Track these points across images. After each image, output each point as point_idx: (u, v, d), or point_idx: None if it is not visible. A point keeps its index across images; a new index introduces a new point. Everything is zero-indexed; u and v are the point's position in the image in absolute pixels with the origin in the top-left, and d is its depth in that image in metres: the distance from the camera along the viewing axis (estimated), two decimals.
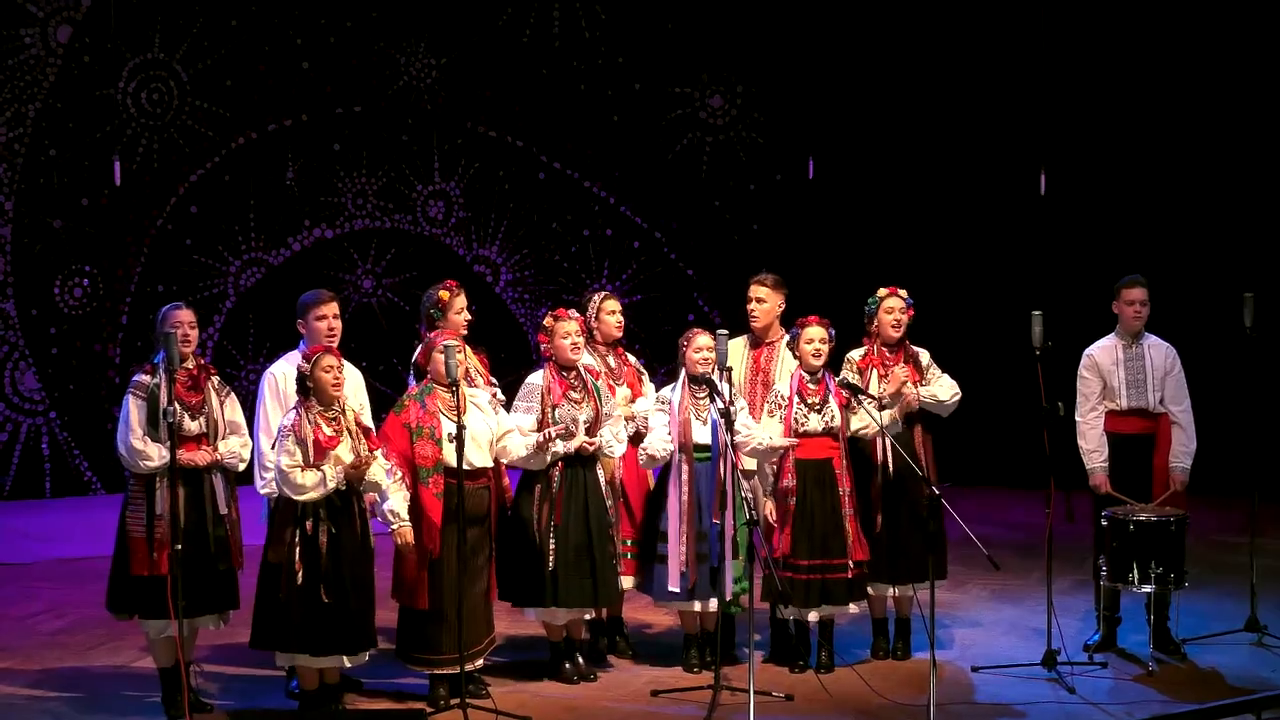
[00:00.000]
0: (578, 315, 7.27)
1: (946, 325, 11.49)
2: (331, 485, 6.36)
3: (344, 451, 6.40)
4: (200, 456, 6.62)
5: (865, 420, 7.35)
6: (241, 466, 6.77)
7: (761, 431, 7.24)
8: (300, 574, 6.29)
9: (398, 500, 6.54)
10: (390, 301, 12.39)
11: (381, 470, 6.55)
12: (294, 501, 6.36)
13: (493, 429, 6.84)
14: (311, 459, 6.34)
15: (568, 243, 12.88)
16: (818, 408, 7.32)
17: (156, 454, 6.53)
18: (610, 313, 7.73)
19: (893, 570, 7.36)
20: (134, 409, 6.50)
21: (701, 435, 7.20)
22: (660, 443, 7.21)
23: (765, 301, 7.72)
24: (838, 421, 7.28)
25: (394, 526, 6.53)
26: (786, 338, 7.62)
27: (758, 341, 7.78)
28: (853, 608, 7.25)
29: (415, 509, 6.62)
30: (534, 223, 12.82)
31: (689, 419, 7.19)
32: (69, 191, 11.49)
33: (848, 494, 7.26)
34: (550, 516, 7.00)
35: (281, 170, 12.08)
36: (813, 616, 7.22)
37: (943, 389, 7.47)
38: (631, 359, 7.85)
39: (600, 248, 12.96)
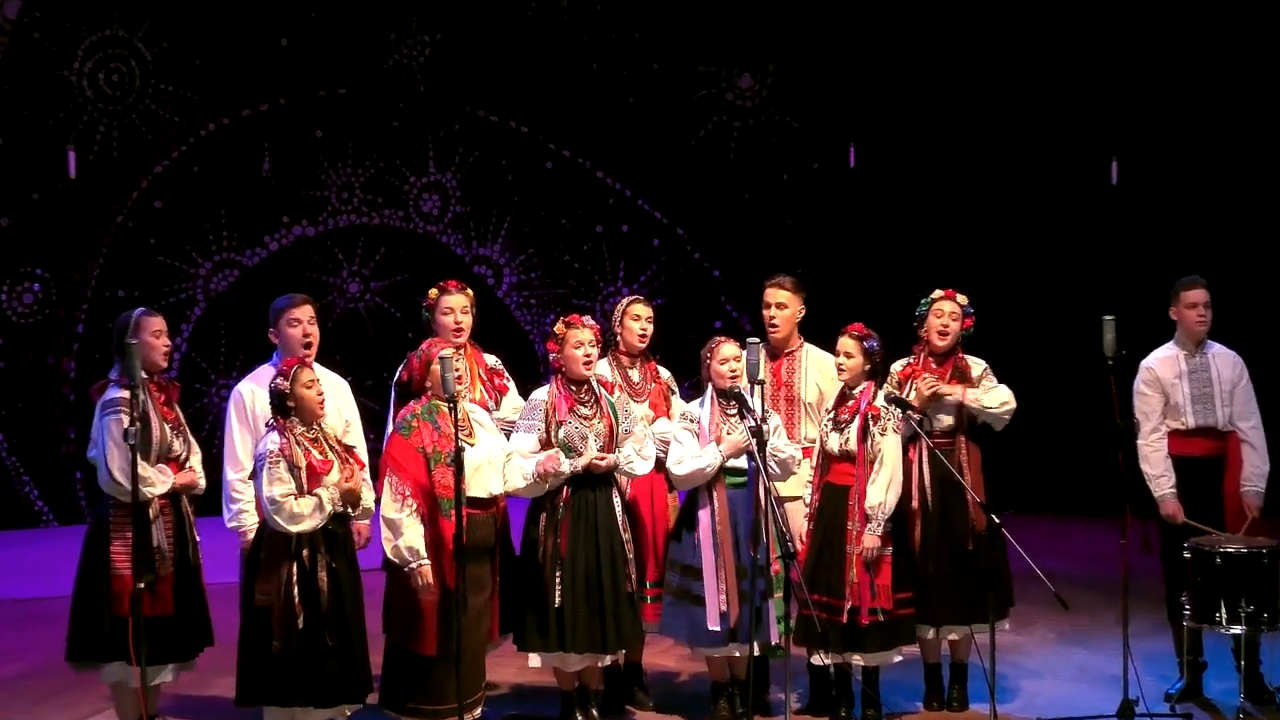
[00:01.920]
0: (592, 323, 7.29)
1: (1005, 331, 11.45)
2: (329, 510, 6.39)
3: (334, 474, 6.43)
4: (187, 478, 6.74)
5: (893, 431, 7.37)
6: (201, 486, 6.88)
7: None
8: (302, 617, 6.29)
9: (415, 535, 6.50)
10: (379, 307, 12.35)
11: (369, 491, 6.62)
12: (286, 535, 6.36)
13: (501, 449, 6.91)
14: (306, 486, 6.36)
15: (578, 240, 12.85)
16: (841, 427, 7.33)
17: (158, 479, 6.62)
18: (634, 318, 7.73)
19: (939, 611, 7.34)
20: (119, 431, 6.50)
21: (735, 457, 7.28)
22: (701, 458, 7.19)
23: (787, 307, 7.73)
24: (853, 444, 7.26)
25: (414, 565, 6.50)
26: (808, 347, 7.68)
27: (775, 352, 7.79)
28: (894, 656, 7.20)
29: (432, 544, 6.59)
30: (541, 218, 12.79)
31: (721, 436, 7.15)
32: (17, 185, 11.47)
33: (858, 531, 7.23)
34: (555, 546, 6.99)
35: (257, 161, 12.05)
36: (856, 660, 7.19)
37: (991, 396, 7.44)
38: (664, 374, 7.85)
39: (615, 246, 12.94)
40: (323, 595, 6.35)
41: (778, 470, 7.17)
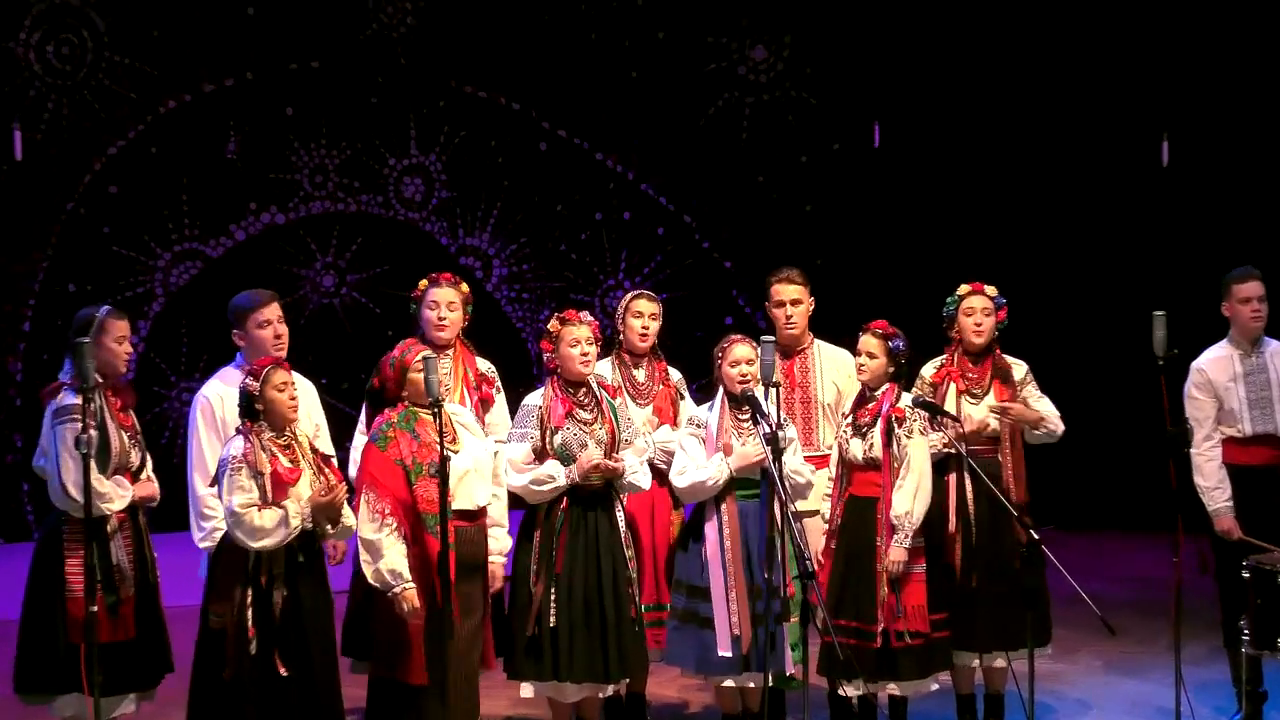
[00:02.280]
0: (590, 319, 7.25)
1: (1044, 329, 11.43)
2: (296, 525, 6.33)
3: (304, 485, 6.41)
4: (147, 490, 6.75)
5: (934, 439, 7.32)
6: (158, 500, 6.93)
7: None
8: (254, 642, 6.26)
9: (397, 556, 6.43)
10: (356, 302, 12.32)
11: (351, 510, 6.60)
12: (244, 551, 6.32)
13: (490, 455, 6.86)
14: (270, 496, 6.32)
15: (576, 229, 12.83)
16: (863, 431, 7.30)
17: (117, 493, 6.63)
18: (636, 315, 7.73)
19: (981, 635, 7.31)
20: (74, 440, 6.40)
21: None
22: (706, 470, 7.16)
23: (801, 302, 7.75)
24: (878, 450, 7.23)
25: (397, 590, 6.42)
26: (820, 344, 7.65)
27: (786, 351, 7.79)
28: (930, 684, 7.22)
29: (417, 565, 6.52)
30: (534, 205, 12.75)
31: (730, 444, 7.16)
32: None
33: (885, 546, 7.21)
34: (549, 564, 6.99)
35: (222, 141, 12.02)
36: (891, 689, 7.14)
37: (1055, 417, 7.50)
38: (674, 376, 7.82)
39: (616, 235, 12.92)
40: (275, 619, 6.29)
41: (792, 492, 7.11)
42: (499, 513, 6.96)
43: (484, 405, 7.55)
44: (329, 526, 6.52)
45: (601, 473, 7.04)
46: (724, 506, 7.13)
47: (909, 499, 7.13)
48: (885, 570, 7.18)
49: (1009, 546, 7.29)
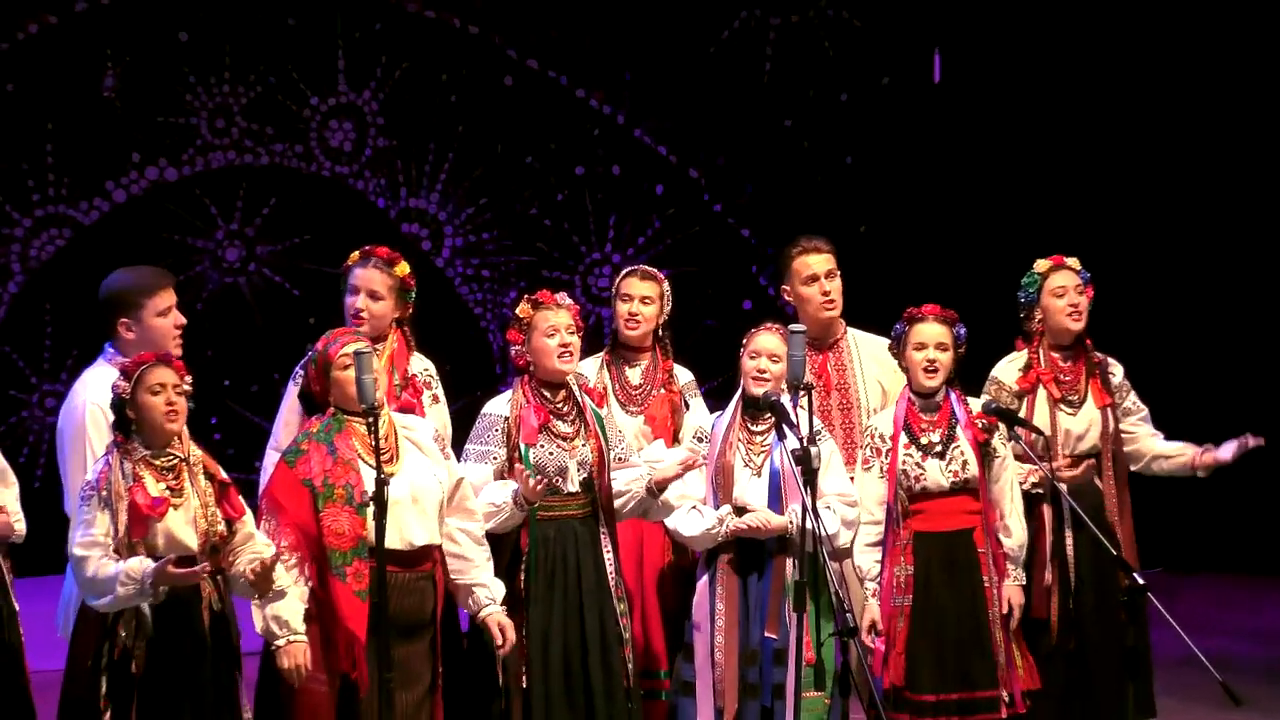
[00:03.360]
0: (569, 301, 7.30)
1: (1144, 323, 11.52)
2: (140, 587, 6.13)
3: (179, 524, 6.28)
4: (1, 521, 6.75)
5: (1021, 466, 7.40)
6: (21, 531, 6.82)
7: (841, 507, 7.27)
8: (108, 715, 6.18)
9: (291, 600, 6.48)
10: (268, 282, 12.36)
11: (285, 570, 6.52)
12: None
13: (443, 482, 6.83)
14: (126, 535, 6.21)
15: (550, 187, 12.84)
16: (938, 450, 7.38)
17: None
18: (624, 299, 7.82)
19: (1072, 703, 7.41)
20: None
21: (753, 493, 7.25)
22: (701, 521, 7.20)
23: (837, 276, 7.82)
24: (973, 469, 7.32)
25: (281, 642, 6.45)
26: (854, 333, 7.72)
27: (818, 343, 7.89)
28: None
29: (321, 614, 6.55)
30: (497, 156, 12.77)
31: (730, 463, 7.26)
32: None
33: (996, 583, 7.36)
34: (521, 619, 6.98)
35: (97, 75, 11.99)
36: None
37: (1147, 441, 7.71)
38: (682, 377, 7.89)
39: (604, 194, 12.94)
40: (134, 691, 6.20)
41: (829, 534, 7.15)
42: (474, 552, 6.90)
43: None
44: (257, 595, 6.49)
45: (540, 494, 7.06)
46: (722, 555, 7.21)
47: (1020, 527, 7.39)
48: (999, 618, 7.30)
49: (1106, 596, 7.47)
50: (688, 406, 7.85)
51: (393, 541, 6.57)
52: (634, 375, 7.76)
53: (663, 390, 7.79)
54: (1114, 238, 12.43)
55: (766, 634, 7.07)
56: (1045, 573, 7.44)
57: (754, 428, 7.24)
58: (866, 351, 7.91)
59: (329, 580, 6.57)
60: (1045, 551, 7.45)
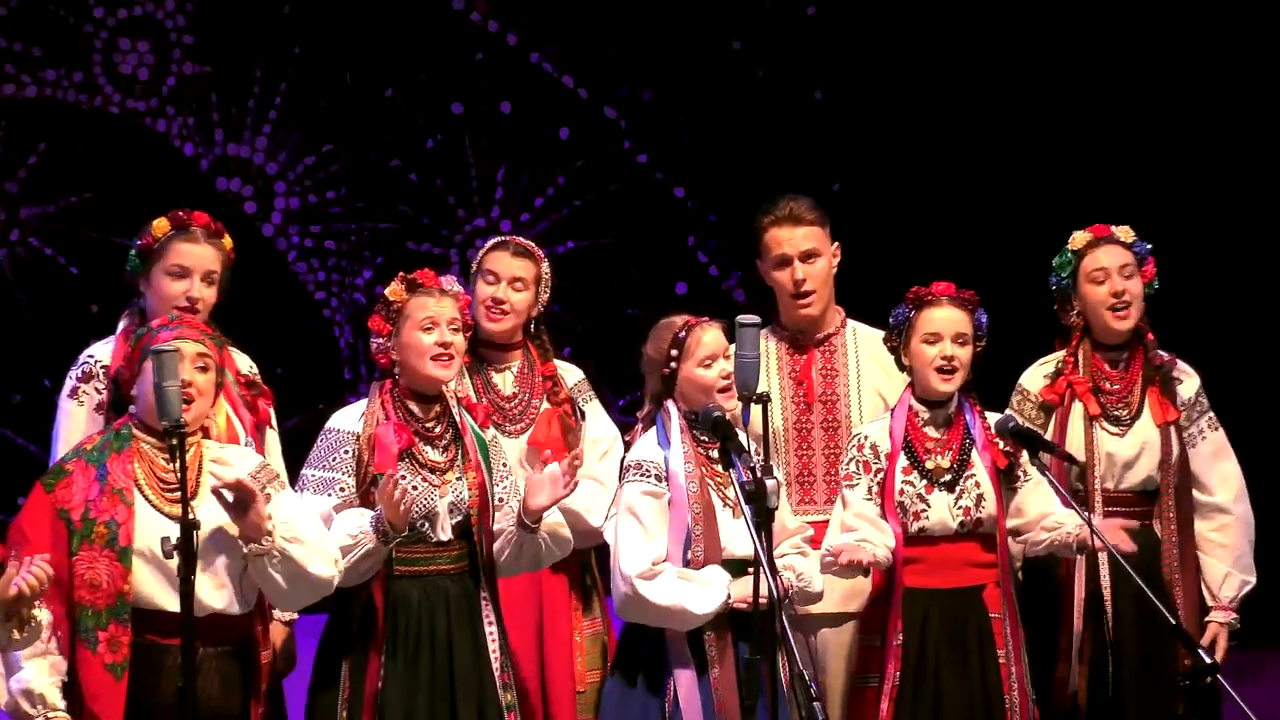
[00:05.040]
0: (456, 285, 7.38)
1: (1216, 317, 11.72)
2: None
3: None
4: None
5: (1057, 514, 7.51)
6: None
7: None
8: None
9: (38, 671, 6.68)
10: (36, 254, 12.43)
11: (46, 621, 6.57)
12: None
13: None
14: None
15: (418, 131, 12.86)
16: (947, 479, 7.47)
17: None
18: (489, 279, 7.88)
19: None
20: None
21: (742, 541, 7.43)
22: (704, 589, 7.35)
23: (819, 255, 7.93)
24: (990, 508, 7.42)
25: None
26: (855, 328, 7.82)
27: (799, 341, 7.96)
28: None
29: (73, 696, 6.69)
30: (346, 87, 12.73)
31: (712, 504, 7.36)
32: None
33: (1013, 659, 7.39)
34: (369, 694, 7.22)
35: None
36: None
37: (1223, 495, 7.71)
38: (569, 379, 7.97)
39: (492, 142, 12.82)
40: None
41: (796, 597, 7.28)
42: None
43: (259, 433, 7.69)
44: (14, 633, 6.57)
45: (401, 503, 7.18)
46: (708, 637, 7.35)
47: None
48: (1020, 706, 7.39)
49: (1170, 681, 7.51)
50: (583, 415, 7.95)
51: (167, 600, 6.69)
52: (503, 382, 7.86)
53: (544, 401, 7.90)
54: (1188, 194, 12.33)
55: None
56: (1073, 646, 7.54)
57: (712, 454, 7.38)
58: (868, 352, 7.96)
59: (78, 650, 6.70)
60: (1076, 617, 7.54)
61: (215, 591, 6.65)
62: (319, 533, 6.79)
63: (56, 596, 6.54)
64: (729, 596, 7.14)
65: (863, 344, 7.90)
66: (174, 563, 6.51)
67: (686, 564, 7.23)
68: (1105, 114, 12.72)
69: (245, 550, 6.58)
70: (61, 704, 6.54)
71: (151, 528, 6.53)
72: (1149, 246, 7.69)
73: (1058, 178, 11.79)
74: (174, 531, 6.42)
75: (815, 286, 7.75)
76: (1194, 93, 12.61)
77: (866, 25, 13.14)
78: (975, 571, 7.34)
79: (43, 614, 6.57)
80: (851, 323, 7.95)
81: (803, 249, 7.78)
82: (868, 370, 7.85)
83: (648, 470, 7.25)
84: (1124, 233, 7.67)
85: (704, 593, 7.13)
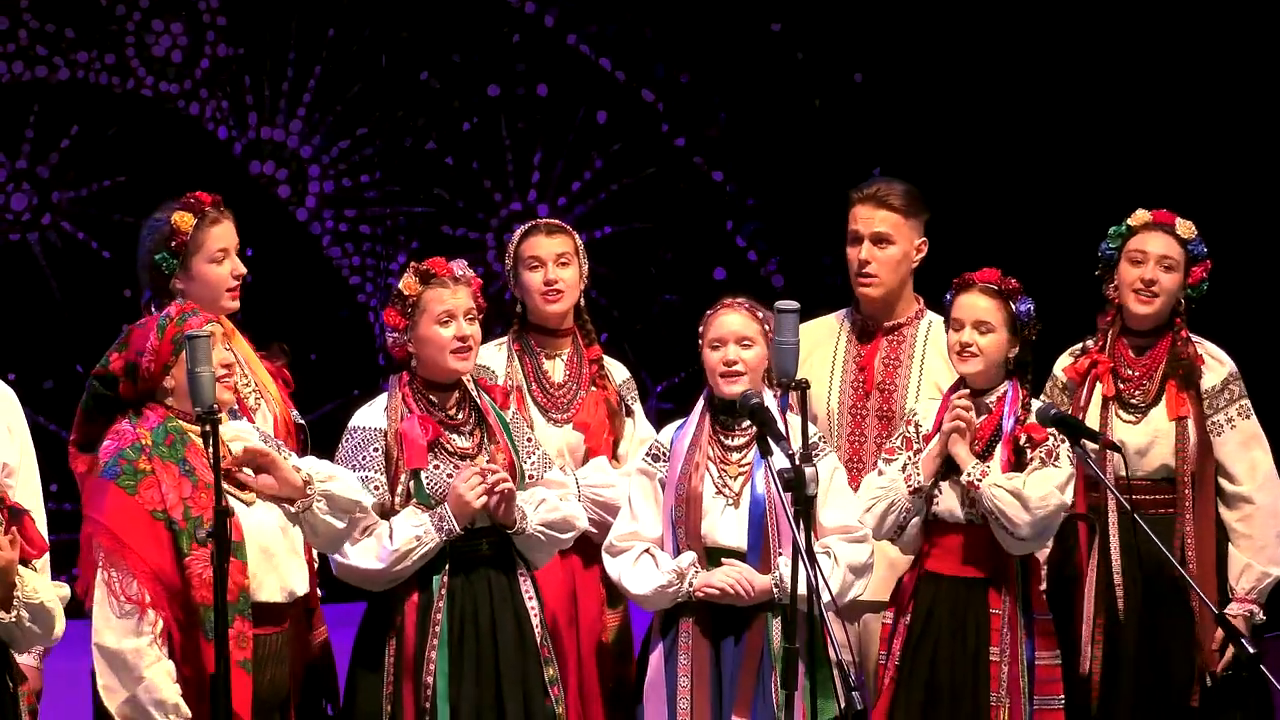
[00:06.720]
0: (469, 273, 7.36)
1: (1257, 305, 11.66)
2: None
3: None
4: None
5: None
6: None
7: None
8: None
9: (162, 677, 6.67)
10: (68, 238, 12.59)
11: (55, 600, 6.50)
12: None
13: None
14: None
15: (454, 115, 13.02)
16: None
17: None
18: (532, 264, 7.85)
19: None
20: None
21: (729, 531, 7.36)
22: (658, 573, 7.34)
23: (892, 242, 7.90)
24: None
25: None
26: (933, 319, 7.80)
27: (869, 328, 7.94)
28: None
29: (195, 691, 6.69)
30: (379, 71, 12.90)
31: (697, 492, 7.31)
32: None
33: (1008, 657, 7.44)
34: (419, 694, 7.21)
35: None
36: None
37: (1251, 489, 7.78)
38: (616, 373, 7.96)
39: (528, 125, 12.98)
40: None
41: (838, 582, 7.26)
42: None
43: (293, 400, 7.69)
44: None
45: (490, 495, 7.17)
46: (684, 623, 7.36)
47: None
48: (1009, 702, 7.38)
49: (1185, 668, 7.53)
50: (629, 413, 7.95)
51: (269, 592, 6.71)
52: (555, 369, 7.84)
53: (593, 387, 7.89)
54: (1245, 182, 12.39)
55: (735, 718, 7.23)
56: (1085, 625, 7.49)
57: (729, 442, 7.34)
58: (936, 346, 7.96)
59: (203, 648, 6.66)
60: (1089, 597, 7.50)
61: (299, 573, 6.64)
62: (336, 468, 6.78)
63: (164, 601, 6.49)
64: (676, 584, 7.04)
65: (934, 337, 7.86)
66: (276, 549, 6.48)
67: (677, 546, 7.15)
68: (1155, 95, 12.66)
69: (293, 510, 6.53)
70: (188, 712, 6.52)
71: (259, 516, 6.53)
72: (1205, 250, 7.62)
73: (1101, 165, 11.67)
74: (252, 517, 6.41)
75: (879, 271, 7.74)
76: (1259, 75, 12.23)
77: (907, 6, 12.88)
78: (983, 564, 7.31)
79: (44, 592, 6.50)
80: (930, 315, 7.91)
81: (874, 230, 7.77)
82: (932, 363, 7.82)
83: (653, 449, 7.26)
84: (1185, 227, 7.61)
85: (640, 575, 7.12)
